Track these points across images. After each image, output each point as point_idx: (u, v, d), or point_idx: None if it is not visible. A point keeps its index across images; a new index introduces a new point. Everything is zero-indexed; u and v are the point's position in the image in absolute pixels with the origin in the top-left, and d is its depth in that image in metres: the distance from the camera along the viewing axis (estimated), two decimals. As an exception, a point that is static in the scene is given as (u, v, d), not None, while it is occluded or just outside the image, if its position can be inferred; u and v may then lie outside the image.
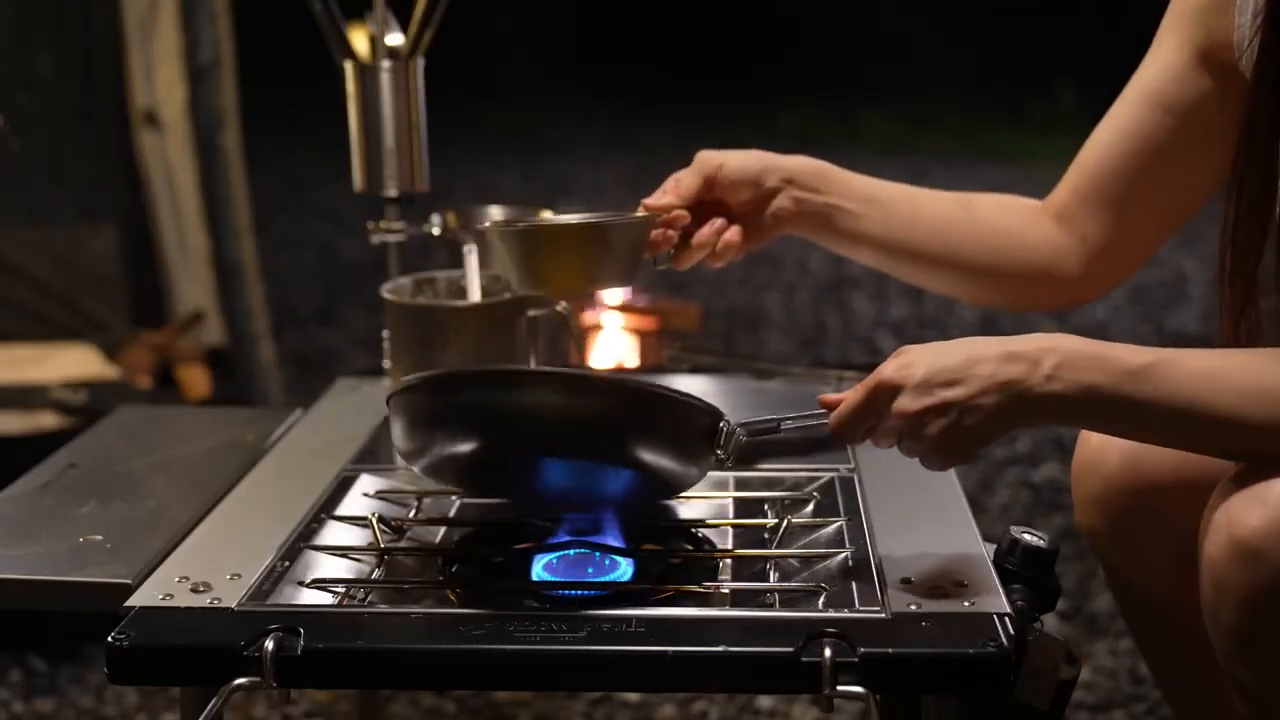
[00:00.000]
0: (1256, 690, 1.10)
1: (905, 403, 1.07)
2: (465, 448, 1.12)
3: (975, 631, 1.01)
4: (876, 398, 1.08)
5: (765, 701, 2.04)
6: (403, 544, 1.22)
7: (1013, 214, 1.43)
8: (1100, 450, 1.31)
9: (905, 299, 4.32)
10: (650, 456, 1.11)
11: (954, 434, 1.06)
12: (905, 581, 1.09)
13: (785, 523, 1.22)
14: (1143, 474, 1.27)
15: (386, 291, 1.47)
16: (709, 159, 1.38)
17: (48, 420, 2.32)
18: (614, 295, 2.91)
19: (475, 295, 1.47)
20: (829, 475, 1.31)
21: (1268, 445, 1.06)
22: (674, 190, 1.37)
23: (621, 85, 8.70)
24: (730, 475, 1.33)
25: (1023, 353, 1.06)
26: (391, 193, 1.65)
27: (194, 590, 1.09)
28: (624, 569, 1.17)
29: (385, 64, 1.61)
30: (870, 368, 1.10)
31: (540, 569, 1.17)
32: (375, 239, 1.67)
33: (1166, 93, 1.30)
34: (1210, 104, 1.27)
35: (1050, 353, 1.06)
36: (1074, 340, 1.07)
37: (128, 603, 1.08)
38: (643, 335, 2.95)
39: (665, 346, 1.86)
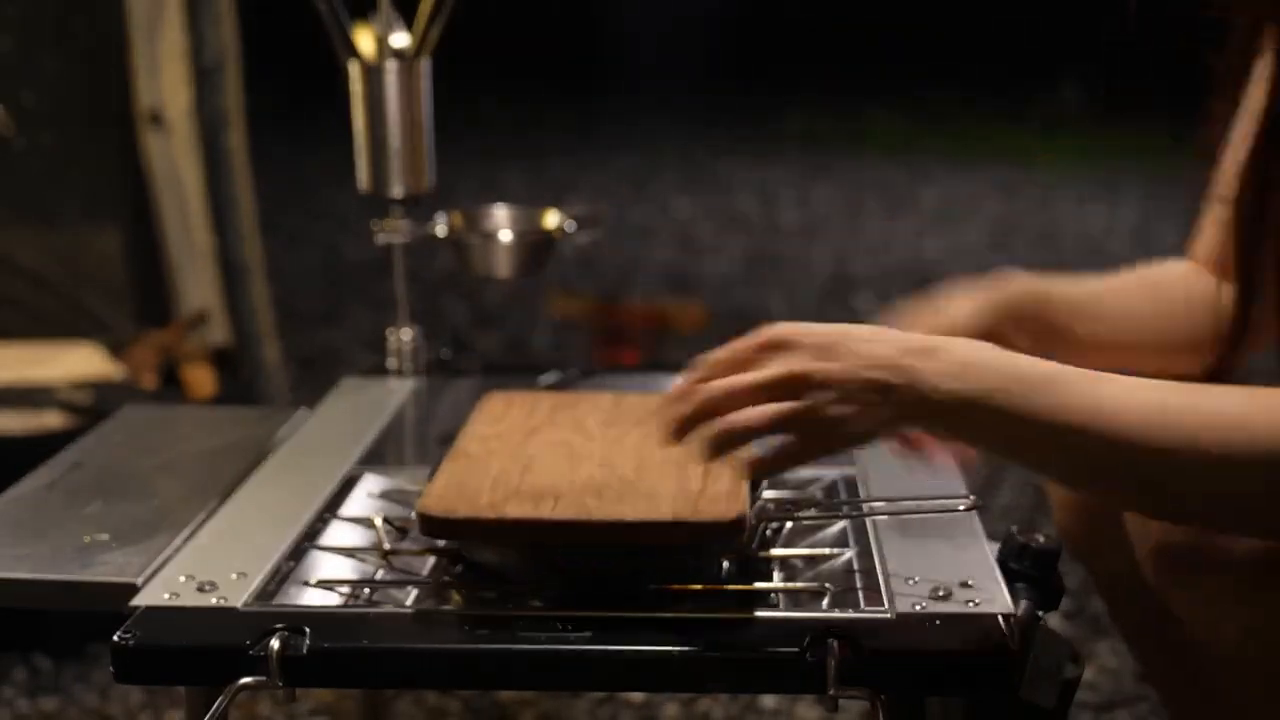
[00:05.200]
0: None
1: (792, 360, 0.98)
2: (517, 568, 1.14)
3: (980, 631, 1.01)
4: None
5: (769, 701, 2.04)
6: (407, 544, 1.22)
7: (1186, 282, 1.34)
8: None
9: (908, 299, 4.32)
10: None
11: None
12: (909, 582, 1.09)
13: (789, 523, 1.22)
14: None
15: None
16: (940, 320, 1.26)
17: (53, 420, 2.33)
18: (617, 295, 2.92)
19: None
20: (832, 475, 1.31)
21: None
22: None
23: (627, 85, 8.71)
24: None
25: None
26: (396, 193, 1.65)
27: (199, 590, 1.09)
28: (628, 569, 1.17)
29: (390, 64, 1.62)
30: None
31: (545, 569, 1.17)
32: (380, 239, 1.68)
33: None
34: None
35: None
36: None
37: (133, 602, 1.08)
38: (646, 335, 2.95)
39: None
